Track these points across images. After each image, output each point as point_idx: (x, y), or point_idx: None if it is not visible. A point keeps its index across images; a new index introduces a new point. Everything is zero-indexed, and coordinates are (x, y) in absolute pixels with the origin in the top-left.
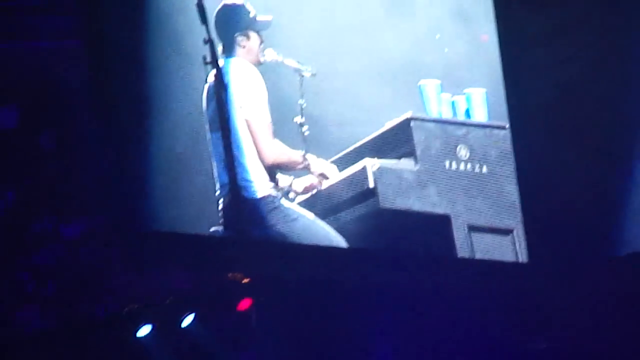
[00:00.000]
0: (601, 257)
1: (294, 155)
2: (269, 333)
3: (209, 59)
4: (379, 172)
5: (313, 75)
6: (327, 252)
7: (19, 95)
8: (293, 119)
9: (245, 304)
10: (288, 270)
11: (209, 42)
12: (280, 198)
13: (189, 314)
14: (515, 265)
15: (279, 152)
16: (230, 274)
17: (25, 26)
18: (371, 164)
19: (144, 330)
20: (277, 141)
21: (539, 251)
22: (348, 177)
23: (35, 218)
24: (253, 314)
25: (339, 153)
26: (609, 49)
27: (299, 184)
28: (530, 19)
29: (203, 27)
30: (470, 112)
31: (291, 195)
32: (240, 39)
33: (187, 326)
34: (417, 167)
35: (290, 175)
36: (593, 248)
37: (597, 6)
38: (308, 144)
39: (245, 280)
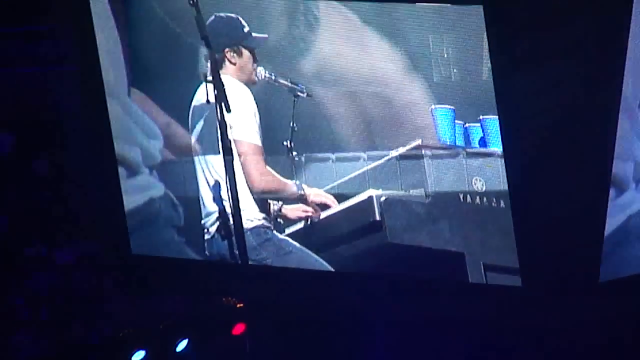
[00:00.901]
0: (592, 282)
1: (286, 184)
2: (263, 358)
3: (209, 77)
4: (387, 204)
5: (309, 96)
6: (323, 277)
7: (14, 121)
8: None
9: (239, 328)
10: (283, 295)
11: (211, 59)
12: (273, 229)
13: (183, 338)
14: (510, 288)
15: (269, 180)
16: (224, 299)
17: (21, 52)
18: (378, 195)
19: (138, 356)
20: (267, 168)
21: (533, 275)
22: (350, 207)
23: (28, 243)
24: (247, 338)
25: (335, 181)
26: (601, 71)
27: (291, 211)
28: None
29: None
30: (486, 141)
31: (280, 220)
32: (230, 54)
33: (181, 351)
34: (429, 200)
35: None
36: (585, 273)
37: (591, 29)
38: (301, 171)
39: (240, 305)
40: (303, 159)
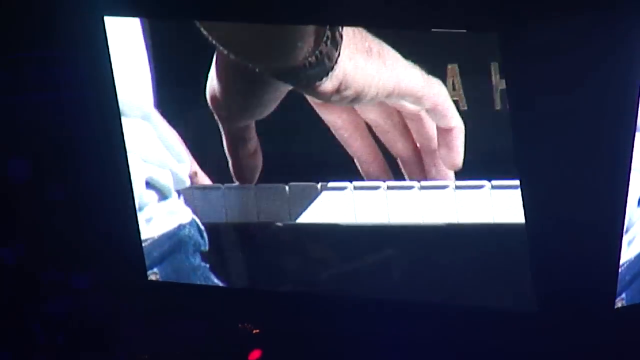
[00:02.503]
0: (608, 307)
1: None
2: None
3: None
4: None
5: None
6: (339, 303)
7: (30, 147)
8: None
9: (255, 355)
10: (299, 322)
11: None
12: None
13: None
14: (523, 314)
15: None
16: (240, 325)
17: (36, 78)
18: None
19: None
20: None
21: (547, 299)
22: None
23: (44, 268)
24: None
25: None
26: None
27: None
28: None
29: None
30: None
31: None
32: None
33: None
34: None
35: None
36: (600, 297)
37: (606, 55)
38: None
39: (256, 331)
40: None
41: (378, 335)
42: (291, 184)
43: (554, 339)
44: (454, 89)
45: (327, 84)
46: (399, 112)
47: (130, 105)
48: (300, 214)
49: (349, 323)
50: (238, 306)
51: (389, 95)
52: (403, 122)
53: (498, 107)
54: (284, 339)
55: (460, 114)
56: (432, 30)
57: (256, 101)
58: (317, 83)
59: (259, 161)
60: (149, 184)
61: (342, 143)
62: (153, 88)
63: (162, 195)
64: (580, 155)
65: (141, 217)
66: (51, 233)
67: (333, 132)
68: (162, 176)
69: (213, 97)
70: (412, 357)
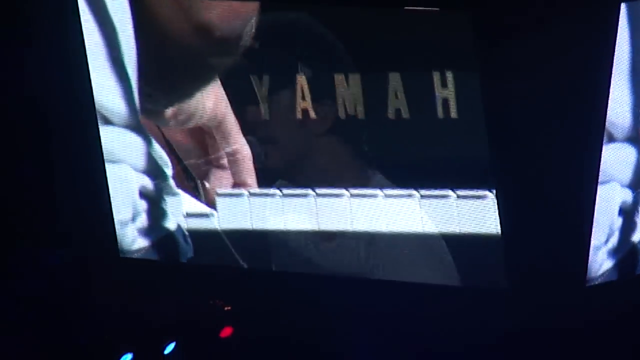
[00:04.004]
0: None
1: None
2: None
3: None
4: None
5: None
6: (313, 279)
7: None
8: None
9: (227, 331)
10: (271, 298)
11: None
12: None
13: (171, 342)
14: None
15: None
16: (212, 302)
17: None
18: None
19: (125, 359)
20: None
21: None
22: None
23: (16, 245)
24: (235, 342)
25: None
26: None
27: None
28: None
29: None
30: None
31: None
32: None
33: (169, 354)
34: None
35: None
36: (573, 276)
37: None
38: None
39: (227, 308)
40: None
41: (350, 313)
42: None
43: (525, 317)
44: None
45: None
46: None
47: (117, 114)
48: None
49: (321, 300)
50: (210, 283)
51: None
52: None
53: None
54: (256, 316)
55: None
56: (405, 8)
57: None
58: None
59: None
60: (141, 193)
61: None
62: (139, 95)
63: (153, 203)
64: (551, 136)
65: (133, 227)
66: (22, 209)
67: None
68: (152, 184)
69: None
70: (382, 334)
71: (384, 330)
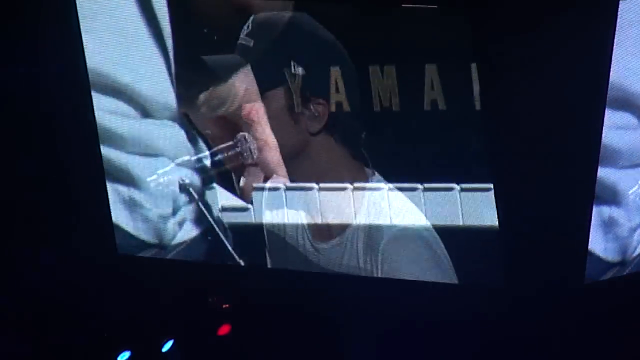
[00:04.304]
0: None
1: None
2: (249, 359)
3: None
4: None
5: None
6: (311, 277)
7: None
8: None
9: (225, 329)
10: (269, 296)
11: None
12: None
13: (169, 339)
14: (492, 290)
15: None
16: (210, 299)
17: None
18: None
19: (123, 357)
20: None
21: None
22: None
23: (13, 244)
24: (233, 339)
25: None
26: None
27: None
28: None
29: None
30: None
31: None
32: None
33: (167, 352)
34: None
35: None
36: (569, 274)
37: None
38: None
39: (225, 306)
40: None
41: (349, 310)
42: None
43: (521, 315)
44: (432, 88)
45: None
46: None
47: (157, 107)
48: None
49: (319, 298)
50: (208, 281)
51: None
52: None
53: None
54: (254, 313)
55: (439, 113)
56: (403, 5)
57: None
58: None
59: None
60: (181, 187)
61: None
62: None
63: (191, 197)
64: (550, 133)
65: (174, 220)
66: (19, 207)
67: None
68: (192, 178)
69: None
70: (381, 332)
71: (383, 327)
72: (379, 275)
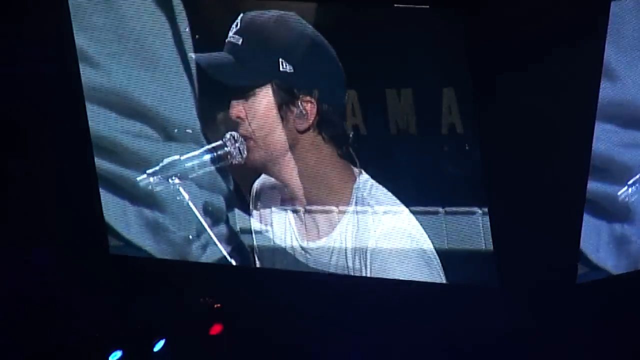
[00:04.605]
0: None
1: None
2: (241, 359)
3: None
4: None
5: None
6: (303, 277)
7: None
8: None
9: (216, 329)
10: (261, 296)
11: None
12: None
13: (160, 339)
14: (486, 290)
15: None
16: (201, 299)
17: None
18: None
19: (115, 356)
20: None
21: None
22: None
23: (4, 244)
24: (224, 339)
25: None
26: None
27: None
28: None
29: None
30: None
31: None
32: None
33: (158, 351)
34: None
35: None
36: (563, 273)
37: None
38: None
39: (217, 306)
40: None
41: (340, 310)
42: None
43: (515, 315)
44: (450, 113)
45: None
46: None
47: (180, 130)
48: None
49: (311, 298)
50: (199, 280)
51: None
52: None
53: None
54: (246, 313)
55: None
56: (395, 5)
57: None
58: None
59: None
60: (205, 210)
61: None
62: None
63: (216, 220)
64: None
65: (198, 243)
66: (11, 207)
67: None
68: (216, 200)
69: None
70: (374, 333)
71: (374, 328)
72: (369, 275)
